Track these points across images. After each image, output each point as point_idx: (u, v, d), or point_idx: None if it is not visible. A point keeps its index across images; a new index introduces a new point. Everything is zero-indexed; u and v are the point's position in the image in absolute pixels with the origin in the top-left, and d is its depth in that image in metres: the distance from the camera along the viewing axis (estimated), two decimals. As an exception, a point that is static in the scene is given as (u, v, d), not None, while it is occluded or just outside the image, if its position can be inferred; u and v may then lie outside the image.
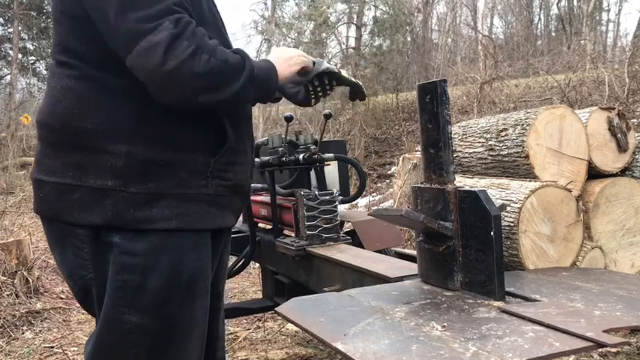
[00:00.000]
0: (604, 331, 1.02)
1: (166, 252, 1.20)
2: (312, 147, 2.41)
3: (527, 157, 1.73)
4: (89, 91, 1.18)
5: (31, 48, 21.71)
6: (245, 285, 4.24)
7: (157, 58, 1.09)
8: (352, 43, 14.28)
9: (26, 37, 21.33)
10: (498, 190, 1.67)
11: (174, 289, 1.21)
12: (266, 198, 2.54)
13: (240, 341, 3.05)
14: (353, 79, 1.53)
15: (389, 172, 8.12)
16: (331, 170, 2.63)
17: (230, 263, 2.68)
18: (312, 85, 1.45)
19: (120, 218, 1.17)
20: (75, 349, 3.03)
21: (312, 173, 2.44)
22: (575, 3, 16.03)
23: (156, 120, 1.19)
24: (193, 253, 1.24)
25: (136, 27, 1.10)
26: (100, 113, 1.17)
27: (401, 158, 5.15)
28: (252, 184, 2.70)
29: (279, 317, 1.80)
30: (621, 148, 1.89)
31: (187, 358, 1.27)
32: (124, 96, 1.18)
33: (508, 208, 1.57)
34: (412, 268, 1.67)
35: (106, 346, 1.22)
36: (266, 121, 12.99)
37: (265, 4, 15.85)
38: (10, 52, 20.28)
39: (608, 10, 17.77)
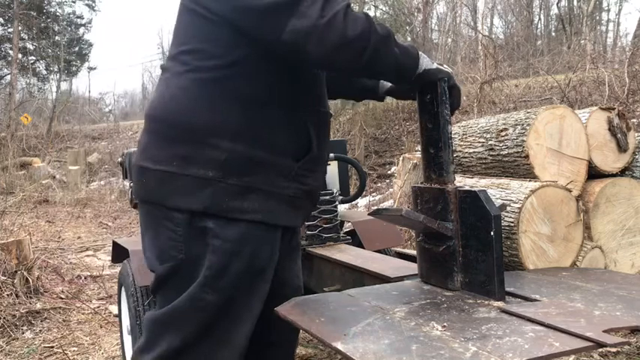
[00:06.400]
0: (604, 331, 1.02)
1: (249, 241, 1.33)
2: (312, 147, 2.40)
3: (527, 157, 1.73)
4: (204, 92, 1.31)
5: (31, 48, 21.71)
6: (245, 285, 4.23)
7: (316, 12, 1.20)
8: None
9: (26, 37, 21.32)
10: (498, 190, 1.67)
11: (248, 274, 1.34)
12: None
13: (240, 341, 3.04)
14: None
15: (389, 172, 8.11)
16: (331, 170, 2.63)
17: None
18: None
19: (216, 206, 1.29)
20: (75, 349, 3.03)
21: (312, 173, 2.44)
22: (575, 3, 16.02)
23: (257, 124, 1.32)
24: (268, 245, 1.37)
25: None
26: (210, 112, 1.30)
27: (401, 158, 5.14)
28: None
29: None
30: (621, 148, 1.89)
31: (238, 334, 1.37)
32: (234, 100, 1.31)
33: (508, 208, 1.57)
34: (412, 268, 1.67)
35: (175, 317, 1.33)
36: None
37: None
38: (10, 52, 20.28)
39: (608, 10, 17.77)
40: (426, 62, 1.40)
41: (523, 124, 1.76)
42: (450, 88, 1.43)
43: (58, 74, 21.97)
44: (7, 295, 3.50)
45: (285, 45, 1.22)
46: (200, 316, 1.32)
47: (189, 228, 1.31)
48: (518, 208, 1.56)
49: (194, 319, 1.32)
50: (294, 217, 1.43)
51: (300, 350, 2.84)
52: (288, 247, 1.55)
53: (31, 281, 3.70)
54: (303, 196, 1.41)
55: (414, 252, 2.18)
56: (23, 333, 3.25)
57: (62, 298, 3.84)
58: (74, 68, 24.76)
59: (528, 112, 1.81)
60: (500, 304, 1.24)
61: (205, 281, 1.31)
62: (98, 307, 3.73)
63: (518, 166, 1.78)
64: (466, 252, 1.35)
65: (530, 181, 1.69)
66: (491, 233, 1.27)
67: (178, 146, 1.32)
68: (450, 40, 15.61)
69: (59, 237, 6.24)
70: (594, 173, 1.87)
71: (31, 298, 3.64)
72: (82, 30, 24.79)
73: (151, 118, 1.40)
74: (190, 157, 1.30)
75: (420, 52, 1.41)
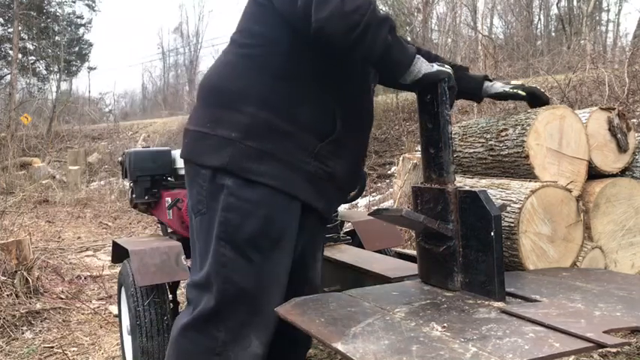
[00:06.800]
0: (604, 332, 1.02)
1: (265, 205, 1.40)
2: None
3: (527, 157, 1.73)
4: (243, 64, 1.46)
5: (31, 48, 21.71)
6: (245, 285, 4.23)
7: None
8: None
9: (26, 37, 21.33)
10: (498, 190, 1.67)
11: (265, 238, 1.41)
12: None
13: (240, 341, 3.04)
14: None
15: (389, 172, 8.11)
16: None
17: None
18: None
19: (234, 165, 1.39)
20: (75, 349, 3.03)
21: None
22: (575, 3, 15.99)
23: (284, 97, 1.42)
24: (284, 213, 1.43)
25: None
26: (244, 82, 1.44)
27: (401, 158, 5.14)
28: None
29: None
30: (621, 148, 1.89)
31: (268, 304, 1.41)
32: (266, 73, 1.43)
33: (508, 209, 1.57)
34: (412, 268, 1.68)
35: (206, 279, 1.43)
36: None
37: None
38: (10, 52, 20.29)
39: (608, 10, 17.71)
40: (425, 67, 1.41)
41: (523, 125, 1.76)
42: (449, 89, 1.43)
43: (58, 74, 21.96)
44: (7, 295, 3.50)
45: (300, 14, 1.31)
46: (223, 272, 1.40)
47: (212, 184, 1.42)
48: (519, 208, 1.56)
49: (220, 277, 1.40)
50: (314, 197, 1.46)
51: (300, 350, 2.84)
52: (312, 237, 1.57)
53: (30, 281, 3.70)
54: (326, 177, 1.46)
55: (414, 252, 2.19)
56: (23, 333, 3.25)
57: (62, 299, 3.84)
58: (74, 68, 24.78)
59: (528, 113, 1.81)
60: (500, 304, 1.24)
61: (219, 235, 1.40)
62: (98, 307, 3.73)
63: (518, 167, 1.78)
64: (466, 252, 1.34)
65: (530, 181, 1.69)
66: (492, 233, 1.26)
67: (213, 110, 1.46)
68: (449, 40, 15.60)
69: (59, 237, 6.24)
70: (594, 173, 1.87)
71: (30, 298, 3.64)
72: (82, 30, 24.84)
73: (201, 86, 1.57)
74: (221, 120, 1.43)
75: (418, 56, 1.41)
